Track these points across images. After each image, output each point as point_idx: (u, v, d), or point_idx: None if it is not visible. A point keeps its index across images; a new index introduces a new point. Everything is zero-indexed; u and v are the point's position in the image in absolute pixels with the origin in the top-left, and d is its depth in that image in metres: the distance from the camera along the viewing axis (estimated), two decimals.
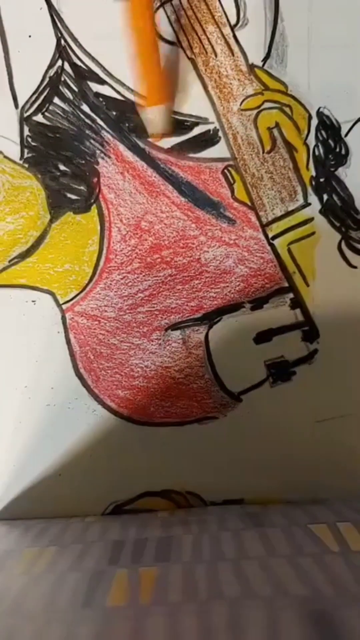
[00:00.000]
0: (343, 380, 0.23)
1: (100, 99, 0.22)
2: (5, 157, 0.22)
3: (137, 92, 0.21)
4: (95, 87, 0.22)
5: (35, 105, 0.22)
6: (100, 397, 0.23)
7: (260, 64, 0.22)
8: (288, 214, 0.22)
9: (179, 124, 0.22)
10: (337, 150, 0.22)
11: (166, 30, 0.22)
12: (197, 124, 0.22)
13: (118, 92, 0.22)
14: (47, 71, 0.22)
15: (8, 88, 0.22)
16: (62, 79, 0.22)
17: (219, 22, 0.22)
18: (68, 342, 0.23)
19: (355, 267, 0.23)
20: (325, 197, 0.22)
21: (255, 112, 0.22)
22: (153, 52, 0.20)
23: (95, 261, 0.23)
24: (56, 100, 0.22)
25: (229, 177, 0.22)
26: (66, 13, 0.22)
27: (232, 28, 0.22)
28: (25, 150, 0.22)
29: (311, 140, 0.22)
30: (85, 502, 0.23)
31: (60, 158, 0.22)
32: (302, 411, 0.23)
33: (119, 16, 0.22)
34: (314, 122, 0.22)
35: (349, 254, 0.22)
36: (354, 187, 0.22)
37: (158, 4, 0.21)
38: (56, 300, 0.23)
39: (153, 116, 0.21)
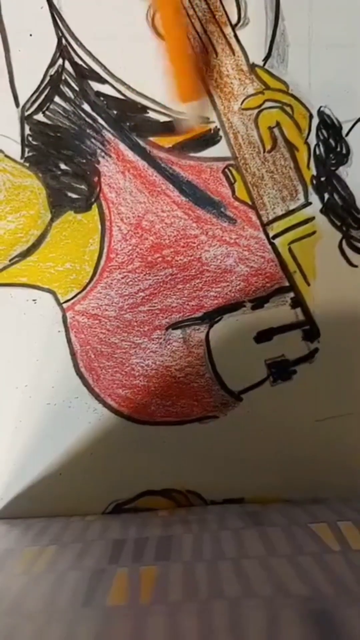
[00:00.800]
0: (343, 380, 0.23)
1: (101, 98, 0.22)
2: (6, 156, 0.22)
3: (172, 89, 0.21)
4: (96, 86, 0.22)
5: (36, 104, 0.22)
6: (100, 396, 0.23)
7: (261, 63, 0.22)
8: (289, 213, 0.22)
9: (179, 124, 0.22)
10: (338, 149, 0.22)
11: None
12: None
13: (119, 91, 0.22)
14: (48, 70, 0.22)
15: (9, 87, 0.22)
16: (63, 78, 0.22)
17: (219, 21, 0.22)
18: (69, 341, 0.23)
19: (356, 266, 0.23)
20: (326, 196, 0.22)
21: (256, 111, 0.22)
22: (186, 50, 0.20)
23: (96, 260, 0.23)
24: (57, 99, 0.22)
25: (230, 176, 0.22)
26: (67, 12, 0.22)
27: (233, 27, 0.22)
28: (26, 149, 0.22)
29: (312, 140, 0.22)
30: (86, 501, 0.23)
31: (61, 157, 0.22)
32: (303, 410, 0.23)
33: (119, 15, 0.22)
34: (315, 121, 0.22)
35: (349, 253, 0.22)
36: (354, 186, 0.22)
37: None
38: (57, 299, 0.23)
39: (192, 111, 0.21)
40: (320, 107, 0.22)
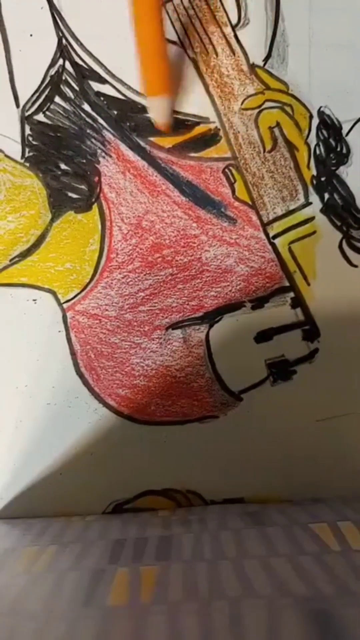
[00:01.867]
0: (344, 380, 0.23)
1: (102, 98, 0.22)
2: (6, 156, 0.22)
3: (141, 80, 0.21)
4: (96, 86, 0.22)
5: (37, 105, 0.22)
6: (101, 396, 0.23)
7: (261, 63, 0.22)
8: (289, 213, 0.22)
9: (180, 124, 0.22)
10: (338, 149, 0.22)
11: (167, 29, 0.22)
12: (198, 123, 0.22)
13: (119, 92, 0.22)
14: (48, 70, 0.22)
15: (9, 87, 0.22)
16: (63, 78, 0.22)
17: (220, 21, 0.22)
18: (69, 341, 0.23)
19: (356, 266, 0.23)
20: (326, 196, 0.22)
21: (256, 111, 0.22)
22: (160, 41, 0.20)
23: (96, 260, 0.23)
24: (57, 99, 0.22)
25: (230, 176, 0.22)
26: (67, 12, 0.22)
27: (233, 28, 0.22)
28: (26, 149, 0.22)
29: (312, 140, 0.22)
30: (86, 501, 0.23)
31: (61, 157, 0.22)
32: (303, 410, 0.23)
33: (120, 15, 0.22)
34: (315, 121, 0.22)
35: (350, 253, 0.22)
36: (355, 186, 0.22)
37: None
38: (57, 299, 0.23)
39: (156, 107, 0.21)
40: (321, 107, 0.22)
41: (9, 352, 0.23)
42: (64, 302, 0.23)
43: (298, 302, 0.23)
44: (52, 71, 0.22)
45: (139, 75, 0.21)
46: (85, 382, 0.23)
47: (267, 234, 0.22)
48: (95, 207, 0.22)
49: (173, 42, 0.22)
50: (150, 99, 0.21)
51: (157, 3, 0.20)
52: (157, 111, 0.21)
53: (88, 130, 0.22)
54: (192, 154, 0.22)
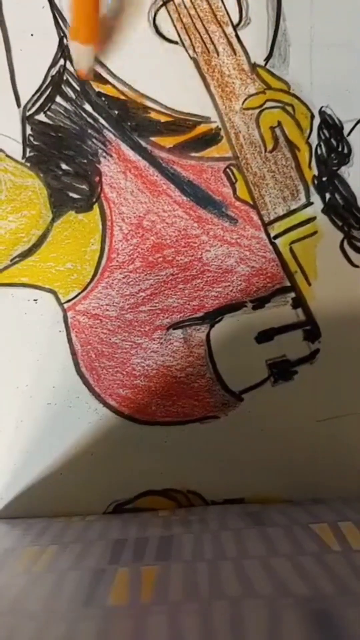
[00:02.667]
0: (344, 380, 0.23)
1: (103, 98, 0.22)
2: (8, 155, 0.22)
3: (68, 24, 0.21)
4: (97, 86, 0.22)
5: (38, 104, 0.22)
6: (101, 396, 0.23)
7: (262, 63, 0.22)
8: (290, 213, 0.22)
9: (180, 123, 0.22)
10: (340, 149, 0.22)
11: (168, 29, 0.22)
12: (199, 123, 0.22)
13: (120, 92, 0.22)
14: (49, 70, 0.22)
15: (10, 87, 0.22)
16: (64, 78, 0.22)
17: (221, 21, 0.22)
18: (69, 341, 0.23)
19: (357, 266, 0.22)
20: (327, 196, 0.22)
21: (257, 111, 0.22)
22: None
23: (97, 260, 0.23)
24: (58, 99, 0.22)
25: (231, 176, 0.22)
26: (68, 12, 0.22)
27: (235, 27, 0.22)
28: (27, 149, 0.22)
29: (313, 140, 0.22)
30: (86, 501, 0.23)
31: (62, 157, 0.22)
32: (304, 411, 0.23)
33: (120, 14, 0.22)
34: (316, 121, 0.22)
35: (351, 253, 0.22)
36: (356, 186, 0.22)
37: (160, 3, 0.21)
38: (58, 299, 0.23)
39: (76, 53, 0.21)
40: (322, 107, 0.22)
41: (10, 351, 0.23)
42: (64, 302, 0.23)
43: (299, 302, 0.22)
44: (53, 71, 0.22)
45: (70, 20, 0.20)
46: (86, 382, 0.23)
47: (268, 234, 0.22)
48: (96, 207, 0.22)
49: (174, 42, 0.22)
50: (73, 44, 0.21)
51: None
52: (78, 58, 0.21)
53: (89, 130, 0.22)
54: (193, 154, 0.22)
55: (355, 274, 0.22)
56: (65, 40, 0.22)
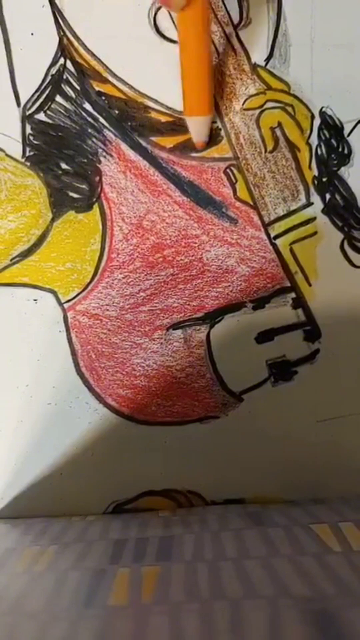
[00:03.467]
0: (344, 381, 0.23)
1: (103, 98, 0.22)
2: (7, 155, 0.22)
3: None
4: (97, 85, 0.22)
5: (38, 104, 0.22)
6: (101, 396, 0.23)
7: (262, 63, 0.22)
8: (290, 213, 0.22)
9: (180, 123, 0.22)
10: (340, 150, 0.22)
11: (169, 28, 0.22)
12: None
13: (120, 91, 0.22)
14: (49, 69, 0.22)
15: (10, 86, 0.22)
16: (65, 77, 0.22)
17: (221, 21, 0.22)
18: (69, 341, 0.23)
19: (357, 266, 0.22)
20: (327, 196, 0.22)
21: (257, 111, 0.22)
22: (207, 63, 0.20)
23: (97, 260, 0.23)
24: (58, 98, 0.22)
25: (231, 176, 0.22)
26: (68, 11, 0.22)
27: (235, 27, 0.22)
28: (27, 149, 0.22)
29: (314, 140, 0.22)
30: (87, 501, 0.23)
31: (62, 156, 0.22)
32: (304, 411, 0.23)
33: (120, 14, 0.21)
34: (317, 121, 0.22)
35: (351, 253, 0.22)
36: (356, 186, 0.22)
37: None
38: (58, 299, 0.23)
39: (195, 127, 0.21)
40: (322, 107, 0.22)
41: (10, 351, 0.23)
42: (64, 302, 0.23)
43: (299, 302, 0.22)
44: (53, 70, 0.22)
45: (182, 96, 0.20)
46: (86, 382, 0.23)
47: (268, 235, 0.22)
48: (96, 206, 0.22)
49: (175, 41, 0.22)
50: (191, 120, 0.21)
51: (205, 27, 0.19)
52: (198, 130, 0.21)
53: (89, 130, 0.22)
54: (194, 154, 0.22)
55: (356, 274, 0.22)
56: (65, 40, 0.22)
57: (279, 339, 0.22)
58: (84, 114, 0.22)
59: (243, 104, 0.22)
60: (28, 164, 0.22)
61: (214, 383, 0.23)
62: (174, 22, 0.22)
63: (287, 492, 0.22)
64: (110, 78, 0.22)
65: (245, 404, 0.23)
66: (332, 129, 0.22)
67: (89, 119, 0.22)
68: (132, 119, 0.22)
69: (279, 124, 0.22)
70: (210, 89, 0.20)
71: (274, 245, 0.22)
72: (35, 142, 0.22)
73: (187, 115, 0.21)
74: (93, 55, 0.22)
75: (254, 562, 0.16)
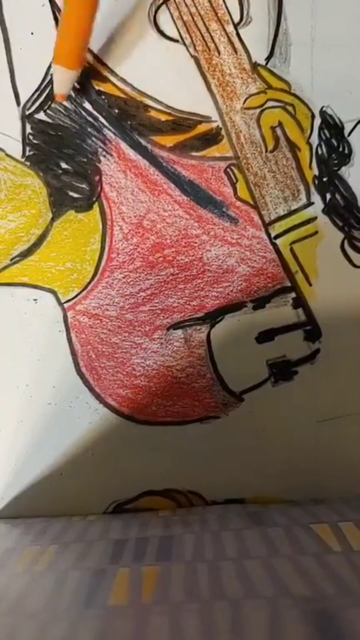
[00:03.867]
0: (345, 380, 0.23)
1: (102, 97, 0.22)
2: (7, 154, 0.22)
3: (56, 48, 0.20)
4: (97, 84, 0.22)
5: (37, 103, 0.22)
6: (101, 396, 0.23)
7: (263, 62, 0.22)
8: (291, 213, 0.22)
9: (180, 122, 0.22)
10: (340, 149, 0.22)
11: (169, 27, 0.22)
12: (199, 122, 0.22)
13: (120, 90, 0.22)
14: (49, 69, 0.22)
15: (10, 85, 0.22)
16: None
17: (222, 19, 0.22)
18: (69, 340, 0.23)
19: (357, 266, 0.22)
20: (328, 196, 0.22)
21: (258, 110, 0.22)
22: (89, 19, 0.19)
23: (97, 260, 0.22)
24: None
25: (232, 176, 0.22)
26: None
27: (236, 26, 0.22)
28: (27, 148, 0.22)
29: (314, 140, 0.22)
30: (87, 501, 0.23)
31: (62, 156, 0.22)
32: (304, 411, 0.23)
33: (120, 14, 0.21)
34: (317, 121, 0.22)
35: (351, 253, 0.22)
36: (357, 186, 0.22)
37: (161, 0, 0.21)
38: (58, 299, 0.23)
39: (59, 77, 0.20)
40: (323, 107, 0.22)
41: (10, 351, 0.23)
42: (64, 302, 0.23)
43: (299, 302, 0.22)
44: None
45: (55, 42, 0.20)
46: (86, 382, 0.23)
47: (268, 234, 0.22)
48: (96, 206, 0.22)
49: (175, 40, 0.22)
50: (57, 68, 0.20)
51: None
52: (60, 82, 0.21)
53: (89, 129, 0.22)
54: (194, 153, 0.22)
55: (356, 274, 0.22)
56: None
57: (279, 338, 0.22)
58: (83, 113, 0.22)
59: (244, 103, 0.22)
60: (28, 163, 0.22)
61: (214, 383, 0.23)
62: (174, 21, 0.22)
63: (287, 492, 0.22)
64: (110, 77, 0.22)
65: (245, 404, 0.23)
66: (332, 128, 0.22)
67: (89, 118, 0.22)
68: (132, 118, 0.22)
69: (280, 124, 0.22)
70: (82, 46, 0.20)
71: (275, 245, 0.22)
72: (35, 141, 0.22)
73: (55, 64, 0.20)
74: (93, 54, 0.22)
75: (254, 562, 0.16)
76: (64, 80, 0.20)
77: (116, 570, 0.16)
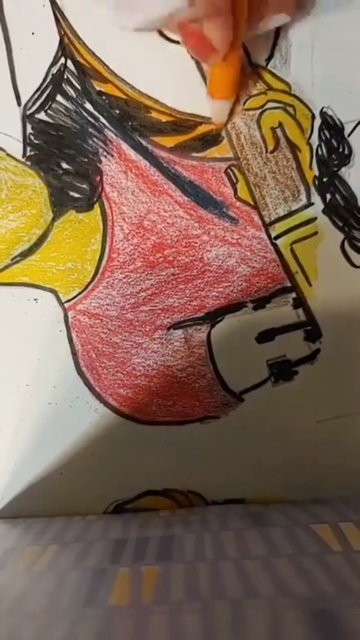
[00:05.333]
0: (345, 380, 0.23)
1: (103, 97, 0.22)
2: (8, 154, 0.22)
3: (210, 83, 0.21)
4: (98, 85, 0.22)
5: (38, 103, 0.22)
6: (102, 396, 0.23)
7: (263, 63, 0.22)
8: (291, 213, 0.22)
9: (181, 123, 0.22)
10: (340, 150, 0.22)
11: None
12: (200, 123, 0.22)
13: (121, 91, 0.22)
14: (50, 69, 0.22)
15: (11, 85, 0.22)
16: (65, 76, 0.22)
17: None
18: (70, 340, 0.23)
19: (357, 266, 0.23)
20: (328, 196, 0.22)
21: (258, 111, 0.22)
22: (239, 51, 0.20)
23: (97, 260, 0.23)
24: (59, 98, 0.22)
25: (232, 176, 0.22)
26: (69, 10, 0.22)
27: None
28: (28, 148, 0.22)
29: (314, 140, 0.22)
30: (87, 501, 0.23)
31: (63, 156, 0.22)
32: (304, 411, 0.23)
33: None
34: (317, 122, 0.22)
35: (351, 253, 0.22)
36: (357, 186, 0.22)
37: None
38: (58, 299, 0.23)
39: (216, 108, 0.21)
40: (323, 107, 0.22)
41: (10, 351, 0.23)
42: (65, 302, 0.23)
43: (300, 302, 0.23)
44: (54, 70, 0.22)
45: (208, 78, 0.21)
46: (86, 382, 0.23)
47: (269, 235, 0.22)
48: (96, 206, 0.22)
49: (176, 42, 0.22)
50: (213, 101, 0.21)
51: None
52: (218, 112, 0.21)
53: (90, 129, 0.22)
54: (194, 154, 0.22)
55: (356, 274, 0.22)
56: (65, 39, 0.22)
57: (279, 338, 0.22)
58: (84, 113, 0.22)
59: (244, 104, 0.22)
60: (29, 163, 0.22)
61: (214, 383, 0.23)
62: None
63: (288, 492, 0.22)
64: (111, 78, 0.22)
65: (245, 404, 0.23)
66: (332, 129, 0.22)
67: (90, 119, 0.22)
68: (133, 118, 0.22)
69: (280, 124, 0.22)
70: (237, 79, 0.21)
71: (275, 245, 0.22)
72: (35, 141, 0.22)
73: (214, 99, 0.21)
74: (94, 54, 0.22)
75: (254, 562, 0.16)
76: (223, 110, 0.21)
77: (116, 570, 0.16)
